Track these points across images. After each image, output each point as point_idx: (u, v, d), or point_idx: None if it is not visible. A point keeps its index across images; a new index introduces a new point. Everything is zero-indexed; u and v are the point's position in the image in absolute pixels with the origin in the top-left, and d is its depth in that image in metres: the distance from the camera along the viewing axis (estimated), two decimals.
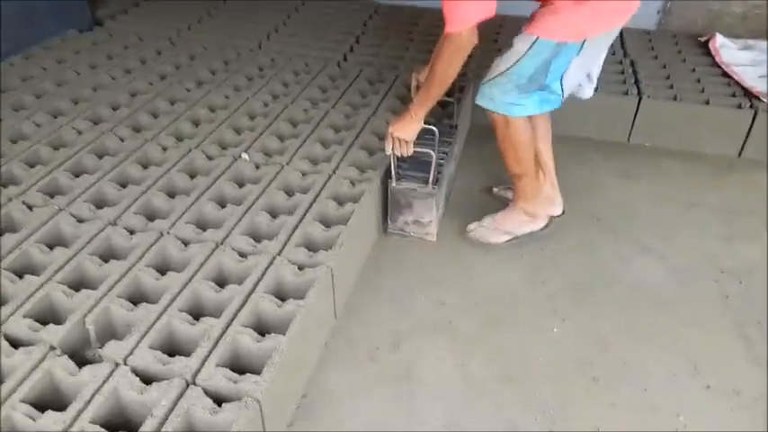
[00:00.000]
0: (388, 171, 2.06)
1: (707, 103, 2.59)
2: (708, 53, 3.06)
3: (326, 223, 1.85)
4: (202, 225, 1.84)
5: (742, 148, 2.60)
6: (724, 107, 2.57)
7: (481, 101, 1.83)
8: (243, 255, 1.72)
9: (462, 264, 2.03)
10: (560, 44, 1.65)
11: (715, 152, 2.62)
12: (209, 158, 2.14)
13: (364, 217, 1.96)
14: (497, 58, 1.77)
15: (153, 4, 3.61)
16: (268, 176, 2.03)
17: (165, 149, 2.17)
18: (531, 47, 1.67)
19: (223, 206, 1.90)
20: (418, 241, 2.13)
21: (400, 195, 2.08)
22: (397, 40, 3.14)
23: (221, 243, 1.74)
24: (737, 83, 2.74)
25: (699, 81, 2.78)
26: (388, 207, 2.13)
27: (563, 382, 1.62)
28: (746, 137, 2.57)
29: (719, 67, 2.92)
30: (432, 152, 1.95)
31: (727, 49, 3.02)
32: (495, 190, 2.40)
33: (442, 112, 2.48)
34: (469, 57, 1.70)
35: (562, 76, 1.73)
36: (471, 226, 2.10)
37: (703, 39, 3.19)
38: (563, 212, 2.10)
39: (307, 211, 1.88)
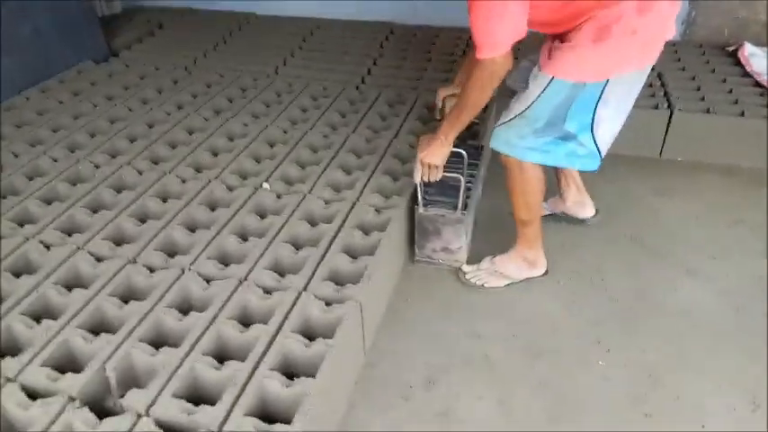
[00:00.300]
0: (413, 196, 1.98)
1: (742, 114, 2.48)
2: (737, 63, 2.95)
3: (353, 254, 1.77)
4: (224, 259, 1.77)
5: None
6: (760, 118, 2.46)
7: (496, 144, 1.73)
8: (267, 291, 1.64)
9: (495, 291, 1.93)
10: (577, 85, 1.54)
11: (752, 165, 2.51)
12: (230, 189, 2.08)
13: (391, 246, 1.87)
14: (513, 101, 1.68)
15: (168, 33, 3.60)
16: (290, 206, 1.96)
17: (183, 181, 2.11)
18: (545, 88, 1.56)
19: (245, 239, 1.83)
20: (447, 269, 2.04)
21: (428, 222, 2.00)
22: (415, 60, 3.08)
23: (245, 279, 1.67)
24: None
25: (731, 92, 2.68)
26: (415, 234, 2.04)
27: (614, 420, 1.51)
28: None
29: (751, 76, 2.81)
30: (460, 176, 1.87)
31: (757, 58, 2.92)
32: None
33: (467, 133, 2.40)
34: None
35: (592, 128, 1.60)
36: (467, 268, 1.99)
37: (731, 48, 3.09)
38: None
39: (331, 241, 1.80)
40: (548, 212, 2.23)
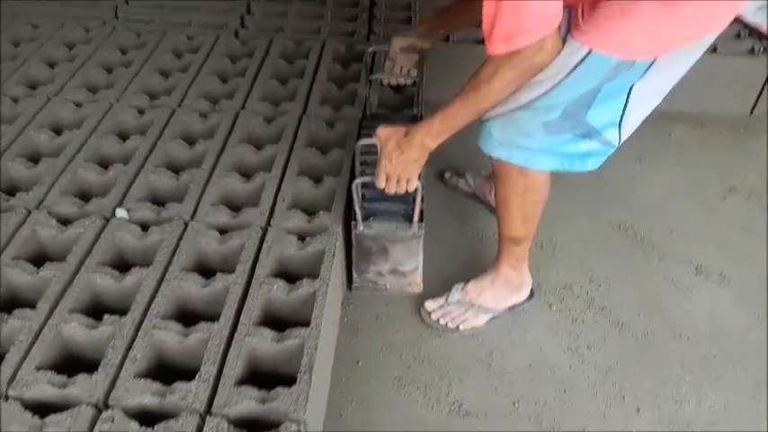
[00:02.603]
0: (348, 205, 1.39)
1: (714, 50, 2.07)
2: None
3: (275, 324, 1.16)
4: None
5: (755, 104, 2.14)
6: (734, 55, 2.07)
7: (489, 147, 1.18)
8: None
9: (473, 332, 1.42)
10: (624, 63, 0.99)
11: (725, 111, 2.14)
12: (62, 223, 1.34)
13: (332, 300, 1.28)
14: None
15: None
16: (166, 245, 1.28)
17: None
18: (577, 65, 1.00)
19: (98, 320, 1.15)
20: (397, 296, 1.49)
21: (370, 241, 1.42)
22: None
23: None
24: (737, 19, 2.25)
25: None
26: (353, 255, 1.46)
27: None
28: (761, 90, 2.10)
29: None
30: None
31: None
32: (446, 176, 1.83)
33: (398, 98, 1.79)
34: None
35: (622, 120, 1.08)
36: (431, 305, 1.44)
37: None
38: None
39: (236, 317, 1.17)
40: (469, 191, 1.79)
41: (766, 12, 2.26)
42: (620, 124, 1.10)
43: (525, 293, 1.46)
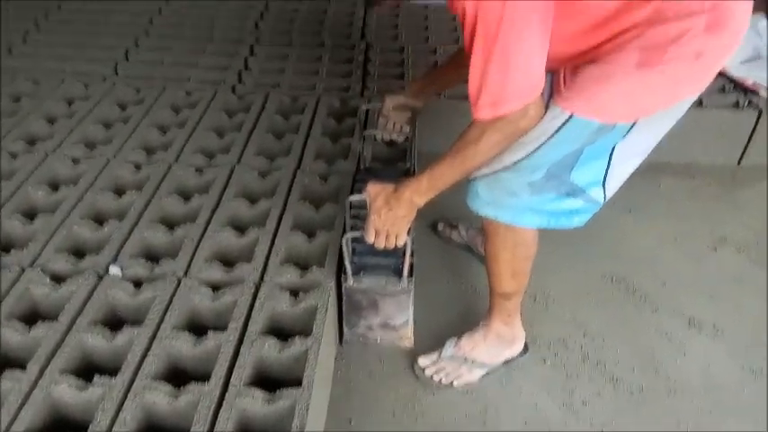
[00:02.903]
0: (339, 261, 1.40)
1: (700, 104, 2.13)
2: None
3: (267, 383, 1.15)
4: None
5: (742, 155, 2.18)
6: (721, 108, 2.12)
7: (476, 206, 1.21)
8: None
9: (467, 389, 1.41)
10: (605, 127, 1.03)
11: (712, 162, 2.18)
12: (56, 281, 1.34)
13: (325, 356, 1.27)
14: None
15: None
16: (159, 301, 1.28)
17: None
18: (559, 129, 1.04)
19: (90, 376, 1.14)
20: (388, 349, 1.49)
21: (360, 294, 1.42)
22: (305, 46, 2.40)
23: None
24: (721, 73, 2.32)
25: None
26: (344, 308, 1.47)
27: None
28: (748, 142, 2.15)
29: None
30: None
31: None
32: (440, 227, 1.85)
33: (391, 152, 1.82)
34: None
35: (605, 178, 1.12)
36: (425, 361, 1.44)
37: None
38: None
39: (228, 373, 1.16)
40: (461, 242, 1.80)
41: (749, 67, 2.33)
42: (603, 183, 1.13)
43: (519, 348, 1.46)
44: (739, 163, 2.19)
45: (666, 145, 2.19)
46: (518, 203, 1.14)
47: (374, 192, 1.22)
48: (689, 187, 2.07)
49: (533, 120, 1.02)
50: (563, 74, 1.04)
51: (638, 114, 1.02)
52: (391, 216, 1.19)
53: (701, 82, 1.05)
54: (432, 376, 1.41)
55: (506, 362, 1.44)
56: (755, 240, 1.85)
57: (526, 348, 1.47)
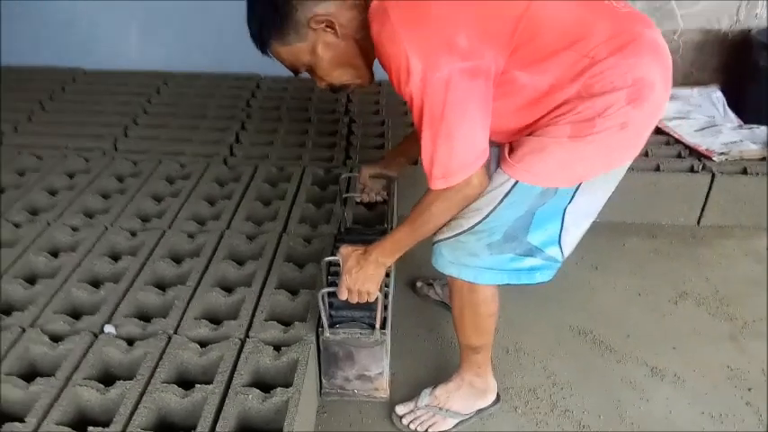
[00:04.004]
0: (319, 316, 1.50)
1: (657, 168, 2.30)
2: None
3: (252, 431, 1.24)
4: None
5: (701, 216, 2.33)
6: (677, 172, 2.29)
7: (440, 265, 1.32)
8: None
9: None
10: (548, 191, 1.18)
11: (673, 222, 2.33)
12: (54, 340, 1.43)
13: (303, 408, 1.36)
14: (460, 214, 1.27)
15: None
16: (149, 359, 1.37)
17: None
18: (506, 194, 1.18)
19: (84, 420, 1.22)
20: (364, 402, 1.57)
21: (337, 346, 1.51)
22: (293, 121, 2.59)
23: None
24: (677, 140, 2.51)
25: None
26: (322, 360, 1.55)
27: None
28: (704, 203, 2.31)
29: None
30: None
31: None
32: (418, 285, 1.95)
33: (370, 215, 1.96)
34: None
35: (560, 238, 1.25)
36: (402, 410, 1.53)
37: None
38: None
39: (214, 421, 1.24)
40: (438, 299, 1.90)
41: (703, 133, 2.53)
42: (559, 243, 1.26)
43: (491, 398, 1.54)
44: (698, 223, 2.33)
45: (630, 207, 2.38)
46: (479, 263, 1.26)
47: (346, 253, 1.35)
48: (651, 246, 2.20)
49: (477, 188, 1.16)
50: (508, 146, 1.19)
51: (575, 180, 1.16)
52: (362, 275, 1.32)
53: (632, 149, 1.20)
54: (408, 424, 1.49)
55: (479, 411, 1.52)
56: (714, 294, 1.97)
57: (498, 399, 1.55)
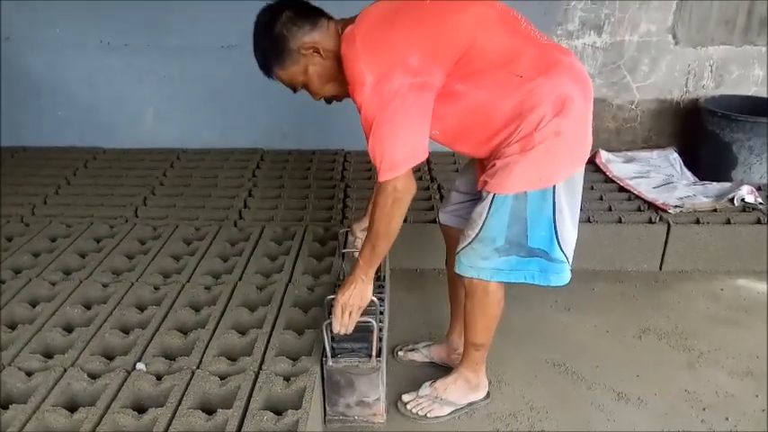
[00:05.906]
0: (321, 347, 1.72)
1: (619, 221, 2.59)
2: (596, 169, 3.13)
3: None
4: None
5: (662, 262, 2.60)
6: (637, 224, 2.58)
7: (461, 270, 1.62)
8: None
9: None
10: (519, 197, 1.48)
11: (638, 268, 2.60)
12: (92, 377, 1.65)
13: (310, 428, 1.56)
14: (465, 227, 1.60)
15: None
16: (176, 391, 1.58)
17: (29, 375, 1.65)
18: (489, 207, 1.51)
19: None
20: (364, 429, 1.77)
21: (338, 374, 1.73)
22: (294, 187, 2.90)
23: None
24: (638, 196, 2.81)
25: (602, 198, 2.81)
26: (325, 388, 1.76)
27: None
28: (664, 249, 2.58)
29: (614, 182, 2.99)
30: (371, 320, 1.67)
31: (614, 164, 3.14)
32: (400, 354, 2.06)
33: None
34: None
35: (558, 239, 1.53)
36: (407, 397, 1.83)
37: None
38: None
39: None
40: (426, 361, 2.05)
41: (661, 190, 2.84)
42: (559, 243, 1.53)
43: (482, 394, 1.82)
44: (660, 268, 2.60)
45: (598, 255, 2.64)
46: (491, 265, 1.55)
47: (340, 288, 1.64)
48: (618, 290, 2.46)
49: (403, 192, 1.44)
50: (483, 171, 1.54)
51: (537, 183, 1.46)
52: (351, 290, 1.60)
53: (576, 151, 1.51)
54: (411, 409, 1.78)
55: (471, 404, 1.80)
56: (674, 330, 2.20)
57: (488, 395, 1.83)
